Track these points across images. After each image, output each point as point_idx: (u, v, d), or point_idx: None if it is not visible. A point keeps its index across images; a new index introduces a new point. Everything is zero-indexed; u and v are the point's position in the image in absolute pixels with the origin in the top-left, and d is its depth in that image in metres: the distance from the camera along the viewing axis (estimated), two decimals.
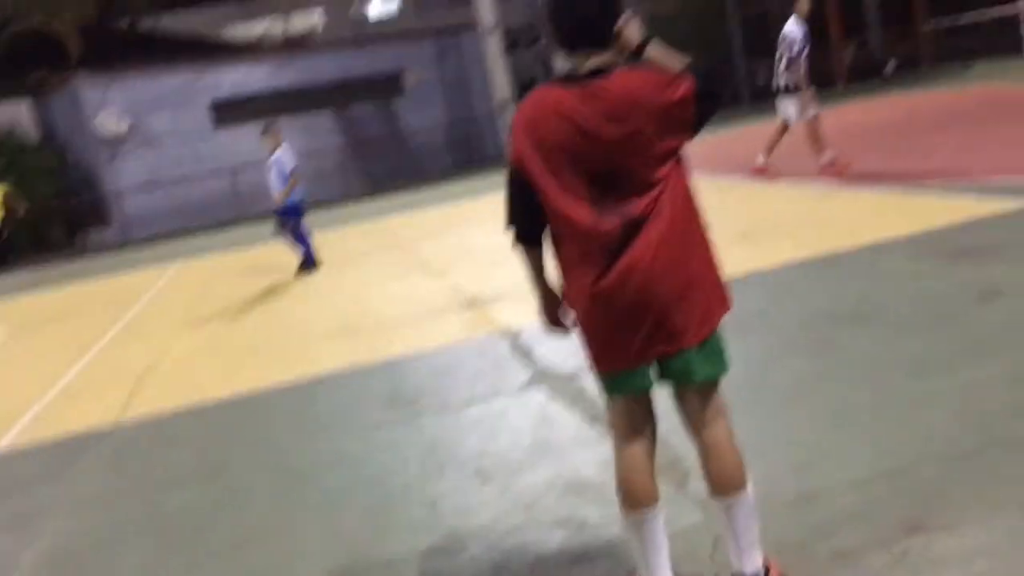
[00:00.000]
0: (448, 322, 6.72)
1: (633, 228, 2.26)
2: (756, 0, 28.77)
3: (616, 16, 2.32)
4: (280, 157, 10.27)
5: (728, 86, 2.07)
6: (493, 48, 23.72)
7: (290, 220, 10.46)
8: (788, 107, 9.87)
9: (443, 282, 8.41)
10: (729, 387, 2.48)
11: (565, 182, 2.29)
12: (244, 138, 23.83)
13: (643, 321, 2.29)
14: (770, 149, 10.46)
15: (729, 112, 21.90)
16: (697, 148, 2.48)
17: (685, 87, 2.25)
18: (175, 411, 5.77)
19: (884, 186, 8.53)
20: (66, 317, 11.02)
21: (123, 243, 20.49)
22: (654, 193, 2.28)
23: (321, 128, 24.71)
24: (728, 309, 2.42)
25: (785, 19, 9.74)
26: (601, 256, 2.28)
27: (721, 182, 11.23)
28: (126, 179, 21.92)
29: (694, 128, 2.30)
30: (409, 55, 26.64)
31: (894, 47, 31.09)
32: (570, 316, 2.50)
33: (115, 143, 21.78)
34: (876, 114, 16.37)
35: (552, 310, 2.56)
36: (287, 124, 24.14)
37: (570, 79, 2.31)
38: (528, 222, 2.39)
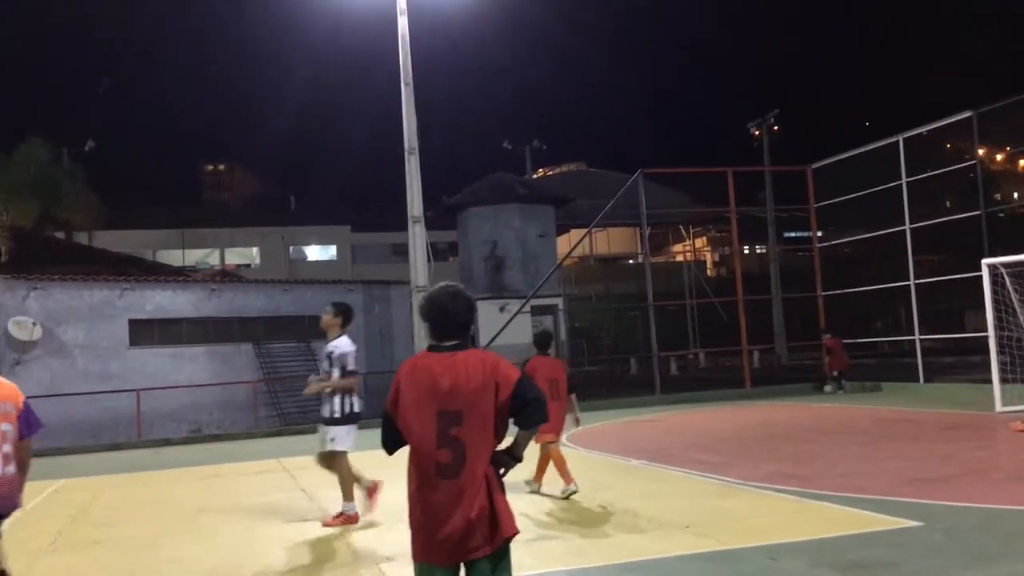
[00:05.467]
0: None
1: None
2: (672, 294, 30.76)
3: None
4: None
5: None
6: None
7: None
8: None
9: (341, 533, 8.13)
10: None
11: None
12: (156, 360, 23.53)
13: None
14: None
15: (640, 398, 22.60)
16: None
17: None
18: None
19: (781, 489, 8.77)
20: None
21: None
22: None
23: (239, 360, 24.56)
24: None
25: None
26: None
27: (626, 464, 11.40)
28: (26, 387, 21.12)
29: None
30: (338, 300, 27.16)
31: (798, 356, 33.21)
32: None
33: (23, 348, 21.23)
34: (776, 416, 17.05)
35: None
36: (205, 352, 24.31)
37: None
38: None
